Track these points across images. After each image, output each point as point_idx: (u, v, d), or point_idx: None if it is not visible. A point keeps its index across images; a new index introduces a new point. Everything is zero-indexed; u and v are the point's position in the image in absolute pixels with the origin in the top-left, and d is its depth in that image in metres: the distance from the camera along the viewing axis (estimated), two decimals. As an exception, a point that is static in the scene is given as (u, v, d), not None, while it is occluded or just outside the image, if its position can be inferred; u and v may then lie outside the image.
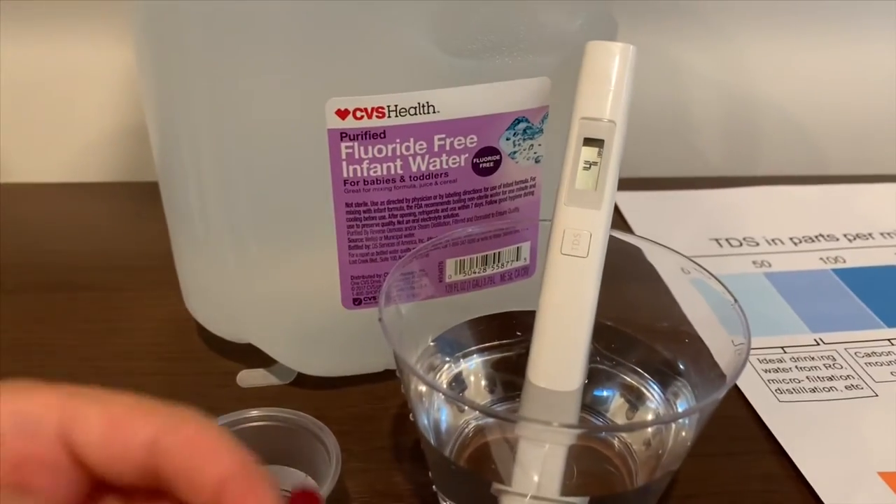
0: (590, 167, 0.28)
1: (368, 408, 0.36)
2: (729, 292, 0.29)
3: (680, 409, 0.30)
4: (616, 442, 0.29)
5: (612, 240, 0.28)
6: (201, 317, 0.37)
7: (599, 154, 0.28)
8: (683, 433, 0.28)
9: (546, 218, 0.32)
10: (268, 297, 0.34)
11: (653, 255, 0.36)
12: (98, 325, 0.41)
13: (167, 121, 0.33)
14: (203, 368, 0.38)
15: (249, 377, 0.36)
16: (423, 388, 0.28)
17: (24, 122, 0.55)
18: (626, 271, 0.32)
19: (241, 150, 0.30)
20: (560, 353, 0.27)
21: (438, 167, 0.31)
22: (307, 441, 0.29)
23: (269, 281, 0.34)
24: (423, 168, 0.31)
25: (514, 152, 0.32)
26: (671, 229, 0.51)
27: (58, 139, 0.56)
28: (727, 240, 0.49)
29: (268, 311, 0.34)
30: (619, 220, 0.52)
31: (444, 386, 0.30)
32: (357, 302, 0.33)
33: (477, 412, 0.30)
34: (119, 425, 0.19)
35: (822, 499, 0.31)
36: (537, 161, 0.33)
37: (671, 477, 0.28)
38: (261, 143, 0.30)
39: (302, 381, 0.36)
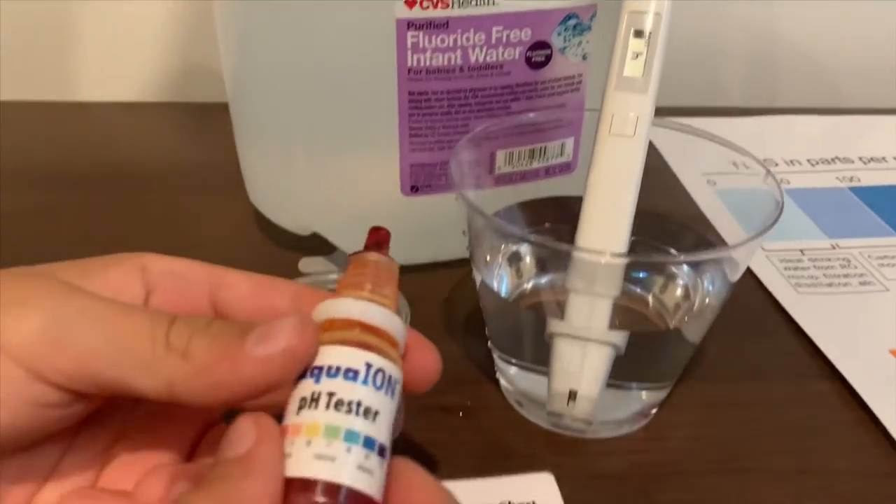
0: (637, 56, 0.31)
1: (420, 292, 0.38)
2: (761, 164, 0.32)
3: (708, 287, 0.33)
4: (651, 299, 0.33)
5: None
6: (266, 209, 0.40)
7: (646, 44, 0.31)
8: (708, 300, 0.32)
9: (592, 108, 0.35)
10: (332, 186, 0.37)
11: (677, 159, 0.39)
12: (163, 220, 0.44)
13: (243, 22, 0.35)
14: (266, 258, 0.41)
15: (310, 263, 0.39)
16: (488, 256, 0.31)
17: (94, 47, 0.58)
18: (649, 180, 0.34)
19: (316, 42, 0.33)
20: (607, 218, 0.29)
21: (494, 59, 0.34)
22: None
23: (334, 170, 0.36)
24: (481, 59, 0.33)
25: (564, 48, 0.34)
26: (692, 152, 0.54)
27: (123, 61, 0.59)
28: (745, 163, 0.52)
29: (331, 200, 0.37)
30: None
31: (504, 262, 0.33)
32: (415, 189, 0.36)
33: (532, 278, 0.33)
34: (265, 285, 0.23)
35: (840, 370, 0.34)
36: (584, 58, 0.35)
37: (697, 345, 0.31)
38: (334, 33, 0.33)
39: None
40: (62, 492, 0.22)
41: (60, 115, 0.56)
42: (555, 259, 0.33)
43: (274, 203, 0.40)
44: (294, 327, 0.19)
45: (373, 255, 0.22)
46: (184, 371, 0.19)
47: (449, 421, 0.32)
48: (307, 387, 0.19)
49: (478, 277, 0.32)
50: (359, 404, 0.19)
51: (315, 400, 0.19)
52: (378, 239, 0.23)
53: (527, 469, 0.29)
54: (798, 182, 0.50)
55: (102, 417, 0.23)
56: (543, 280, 0.33)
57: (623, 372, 0.30)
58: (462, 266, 0.38)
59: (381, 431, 0.19)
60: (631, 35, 0.31)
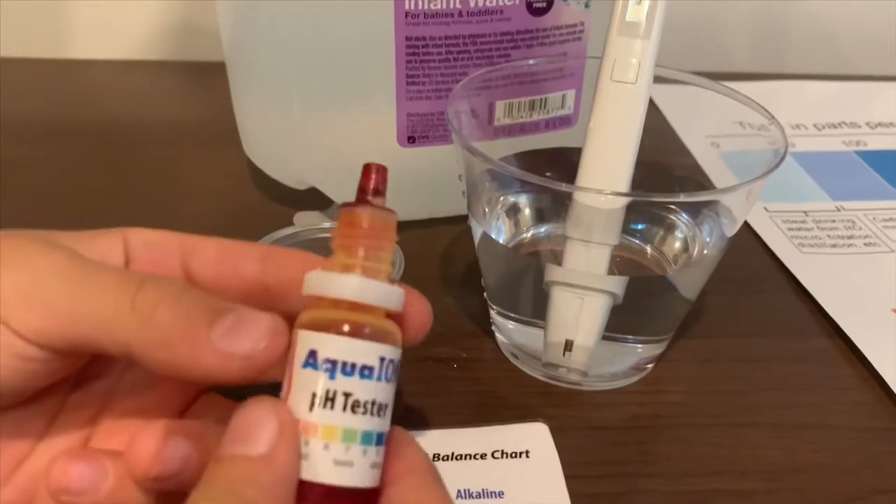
0: (640, 1, 0.30)
1: (417, 247, 0.38)
2: (765, 112, 0.31)
3: (706, 238, 0.32)
4: (650, 250, 0.32)
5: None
6: (263, 163, 0.40)
7: (650, -11, 0.30)
8: (706, 251, 0.31)
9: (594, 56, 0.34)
10: (328, 139, 0.36)
11: (681, 122, 0.39)
12: (160, 174, 0.44)
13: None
14: (261, 212, 0.40)
15: (305, 217, 0.39)
16: (486, 208, 0.31)
17: (91, 5, 0.58)
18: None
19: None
20: (608, 166, 0.29)
21: (494, 4, 0.33)
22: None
23: (330, 123, 0.36)
24: (481, 4, 0.33)
25: (566, -6, 0.34)
26: (696, 113, 0.53)
27: (119, 20, 0.58)
28: (750, 123, 0.51)
29: (327, 153, 0.37)
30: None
31: (503, 214, 0.33)
32: (411, 140, 0.36)
33: (530, 229, 0.32)
34: (231, 250, 0.23)
35: (841, 327, 0.34)
36: (587, 6, 0.35)
37: (693, 300, 0.31)
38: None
39: (354, 222, 0.39)
40: (55, 451, 0.22)
41: (57, 72, 0.56)
42: (553, 209, 0.33)
43: (270, 157, 0.40)
44: (264, 331, 0.19)
45: (366, 211, 0.20)
46: (142, 338, 0.19)
47: (443, 371, 0.31)
48: (319, 380, 0.18)
49: (476, 228, 0.31)
50: (373, 403, 0.19)
51: (331, 399, 0.18)
52: (375, 183, 0.21)
53: (521, 420, 0.29)
54: (804, 146, 0.49)
55: (93, 379, 0.23)
56: (542, 230, 0.33)
57: (620, 325, 0.29)
58: (459, 222, 0.38)
59: (388, 421, 0.19)
60: (635, -21, 0.30)
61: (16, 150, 0.45)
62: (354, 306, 0.19)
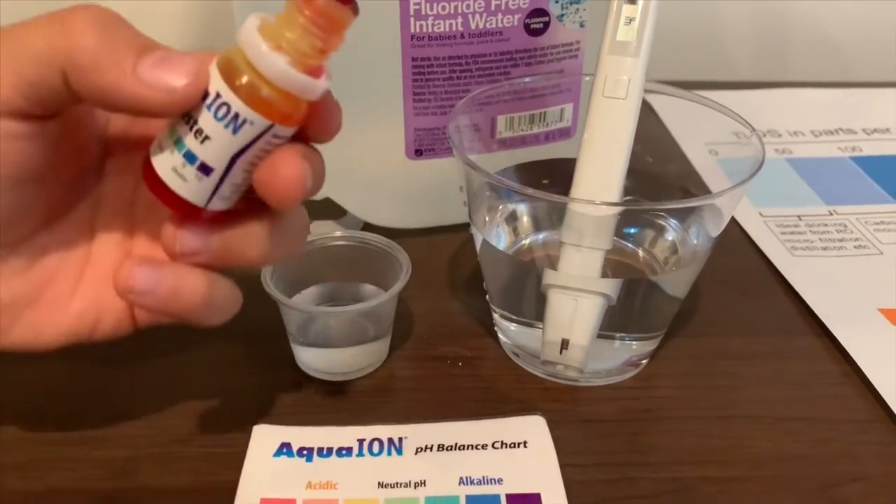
0: (630, 22, 0.32)
1: (425, 253, 0.40)
2: (747, 123, 0.33)
3: (693, 240, 0.34)
4: (641, 252, 0.34)
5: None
6: (278, 174, 0.42)
7: (639, 10, 0.32)
8: (694, 252, 0.33)
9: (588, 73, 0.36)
10: (341, 152, 0.38)
11: (681, 130, 0.40)
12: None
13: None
14: (278, 221, 0.43)
15: (321, 226, 0.41)
16: (486, 216, 0.33)
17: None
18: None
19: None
20: (600, 175, 0.31)
21: (494, 26, 0.35)
22: (382, 259, 0.34)
23: (343, 136, 0.38)
24: (481, 26, 0.35)
25: (562, 15, 0.36)
26: (695, 122, 0.55)
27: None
28: (744, 133, 0.53)
29: (340, 165, 0.39)
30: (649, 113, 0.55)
31: (502, 222, 0.35)
32: (419, 153, 0.38)
33: (528, 236, 0.34)
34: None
35: (829, 327, 0.36)
36: (582, 25, 0.37)
37: (683, 298, 0.33)
38: None
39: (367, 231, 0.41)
40: (108, 255, 0.25)
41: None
42: (550, 217, 0.35)
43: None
44: (189, 70, 0.21)
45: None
46: (74, 62, 0.20)
47: (449, 369, 0.34)
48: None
49: (477, 236, 0.33)
50: (195, 122, 0.22)
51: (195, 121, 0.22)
52: None
53: (520, 413, 0.31)
54: (800, 152, 0.51)
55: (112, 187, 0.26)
56: (539, 237, 0.35)
57: (614, 323, 0.31)
58: (464, 230, 0.40)
59: (208, 154, 0.22)
60: (624, 1, 0.32)
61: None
62: (251, 69, 0.21)
